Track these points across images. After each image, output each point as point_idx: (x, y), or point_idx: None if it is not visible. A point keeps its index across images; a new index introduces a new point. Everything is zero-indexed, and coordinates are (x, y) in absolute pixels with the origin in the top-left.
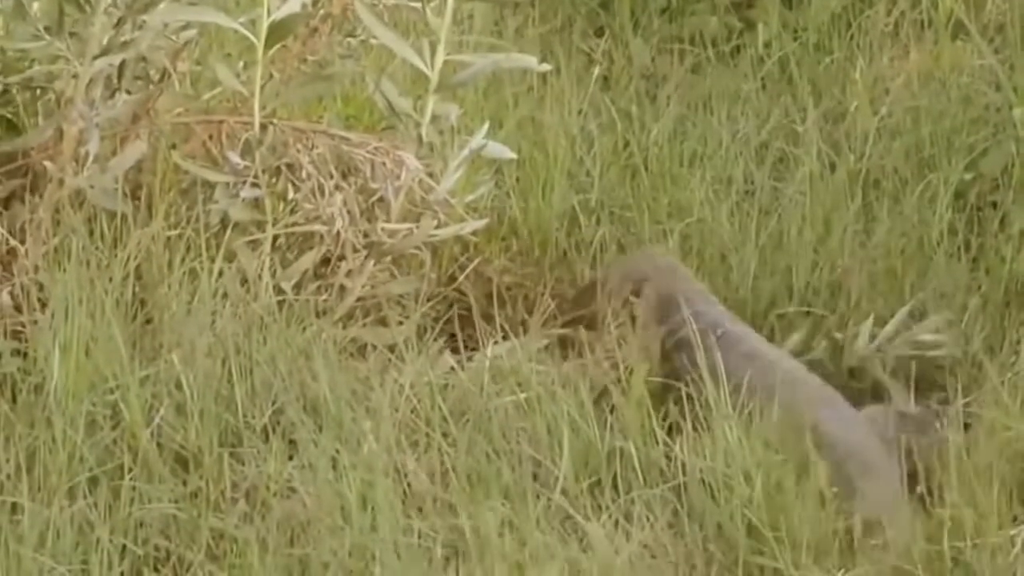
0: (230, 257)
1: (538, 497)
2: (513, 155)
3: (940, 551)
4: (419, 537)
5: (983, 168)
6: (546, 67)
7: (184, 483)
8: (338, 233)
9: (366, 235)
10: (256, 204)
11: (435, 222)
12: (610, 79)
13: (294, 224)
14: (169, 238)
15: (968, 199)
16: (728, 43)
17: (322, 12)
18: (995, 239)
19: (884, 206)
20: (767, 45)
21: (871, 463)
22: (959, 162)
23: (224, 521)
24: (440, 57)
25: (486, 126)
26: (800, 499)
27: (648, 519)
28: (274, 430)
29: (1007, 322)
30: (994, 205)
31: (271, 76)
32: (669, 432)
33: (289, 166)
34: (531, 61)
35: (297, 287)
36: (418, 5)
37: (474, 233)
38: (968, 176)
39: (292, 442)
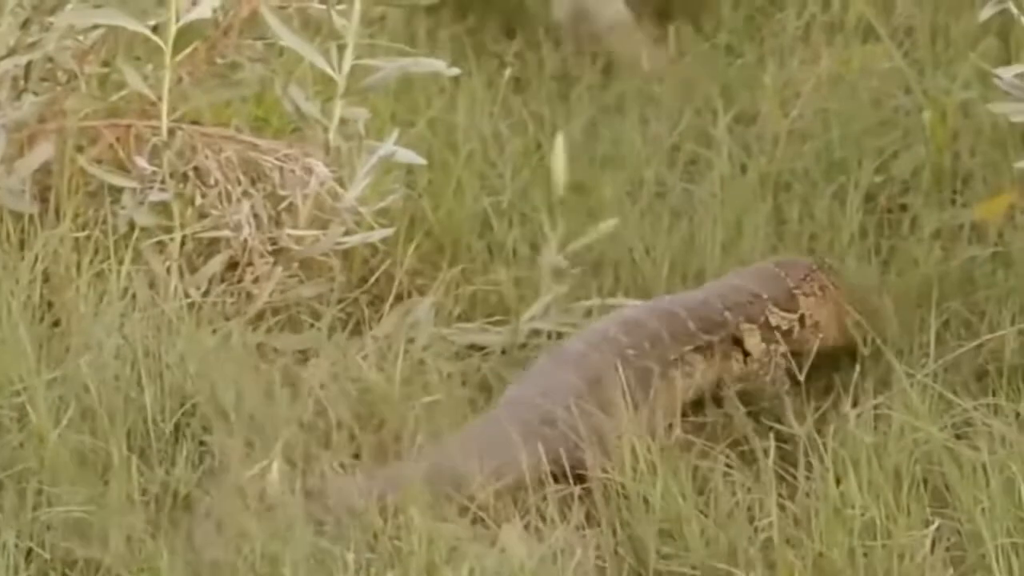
0: (139, 260)
1: (451, 498)
2: (423, 160)
3: (852, 551)
4: (330, 540)
5: (893, 171)
6: (455, 71)
7: (92, 486)
8: (245, 239)
9: (274, 241)
10: (163, 209)
11: (343, 229)
12: (522, 81)
13: (201, 229)
14: (77, 240)
15: (878, 202)
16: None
17: (232, 14)
18: (905, 241)
19: (795, 208)
20: (679, 48)
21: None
22: (869, 165)
23: (133, 525)
24: (348, 61)
25: (395, 132)
26: (707, 504)
27: (560, 521)
28: (183, 433)
29: (917, 324)
30: (904, 207)
31: (180, 79)
32: None
33: (197, 171)
34: (440, 65)
35: (207, 291)
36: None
37: (384, 239)
38: (878, 179)
39: (202, 443)
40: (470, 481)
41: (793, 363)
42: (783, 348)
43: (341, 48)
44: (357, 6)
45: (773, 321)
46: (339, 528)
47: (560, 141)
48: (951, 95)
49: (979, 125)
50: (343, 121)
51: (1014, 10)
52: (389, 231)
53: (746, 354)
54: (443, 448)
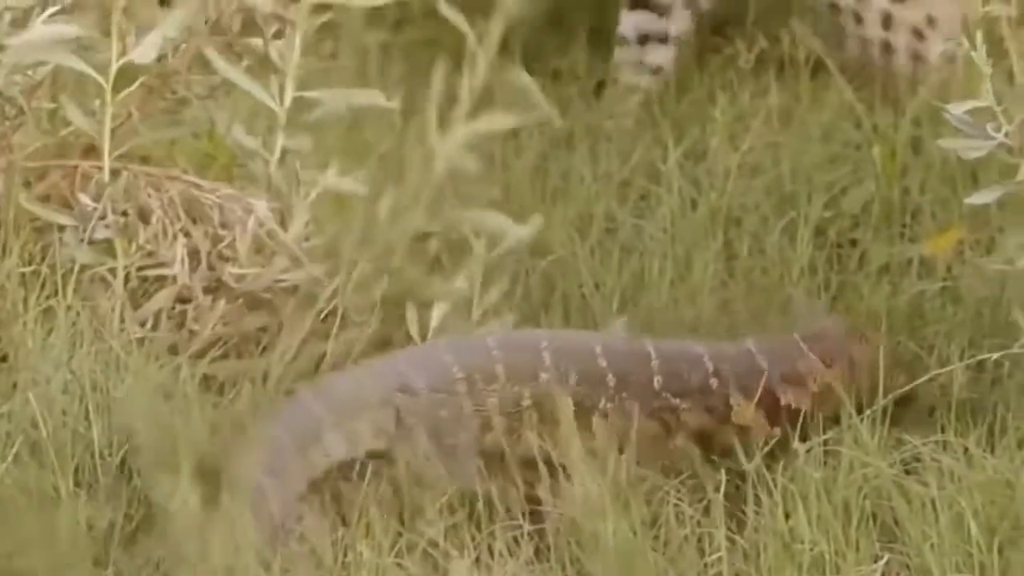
0: (86, 297)
1: (400, 534)
2: (363, 190)
3: None
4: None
5: (843, 205)
6: (394, 105)
7: (39, 521)
8: (187, 276)
9: (215, 278)
10: (108, 247)
11: (284, 264)
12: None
13: (143, 267)
14: (24, 275)
15: (828, 236)
16: (591, 80)
17: (180, 50)
18: (854, 276)
19: (745, 243)
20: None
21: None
22: (819, 199)
23: (79, 561)
24: (289, 94)
25: (335, 166)
26: (657, 538)
27: (509, 555)
28: (130, 468)
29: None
30: (853, 242)
31: (129, 115)
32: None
33: (140, 210)
34: (381, 97)
35: (154, 327)
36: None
37: (328, 271)
38: (828, 213)
39: (148, 479)
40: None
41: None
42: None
43: (282, 81)
44: (297, 40)
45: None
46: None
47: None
48: (901, 130)
49: (929, 160)
50: (285, 155)
51: (964, 46)
52: (326, 266)
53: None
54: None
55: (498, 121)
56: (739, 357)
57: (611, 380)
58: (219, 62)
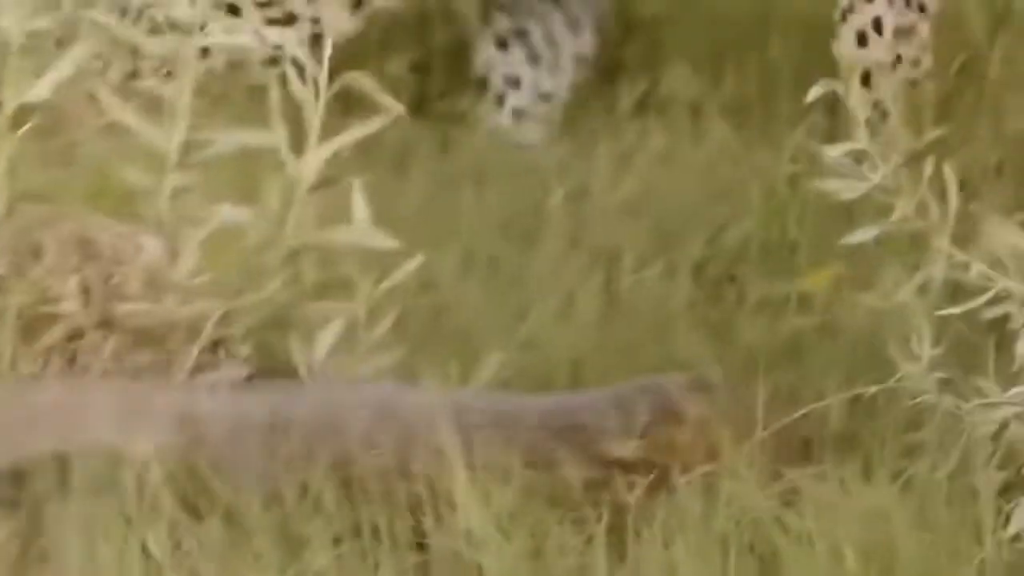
0: None
1: (287, 565)
2: (248, 219)
3: None
4: None
5: (723, 243)
6: (282, 144)
7: None
8: (78, 313)
9: (107, 314)
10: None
11: (173, 301)
12: (361, 154)
13: (35, 304)
14: None
15: (708, 273)
16: (476, 119)
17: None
18: (733, 312)
19: (626, 280)
20: None
21: None
22: (699, 237)
23: None
24: (180, 135)
25: (227, 204)
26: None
27: None
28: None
29: (744, 393)
30: (732, 279)
31: (22, 155)
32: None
33: (33, 248)
34: (272, 139)
35: (46, 363)
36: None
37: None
38: (708, 251)
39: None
40: None
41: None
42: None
43: (172, 122)
44: (188, 83)
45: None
46: None
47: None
48: (779, 169)
49: (806, 198)
50: (176, 194)
51: (840, 90)
52: (213, 302)
53: None
54: None
55: (348, 135)
56: (568, 408)
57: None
58: (110, 103)
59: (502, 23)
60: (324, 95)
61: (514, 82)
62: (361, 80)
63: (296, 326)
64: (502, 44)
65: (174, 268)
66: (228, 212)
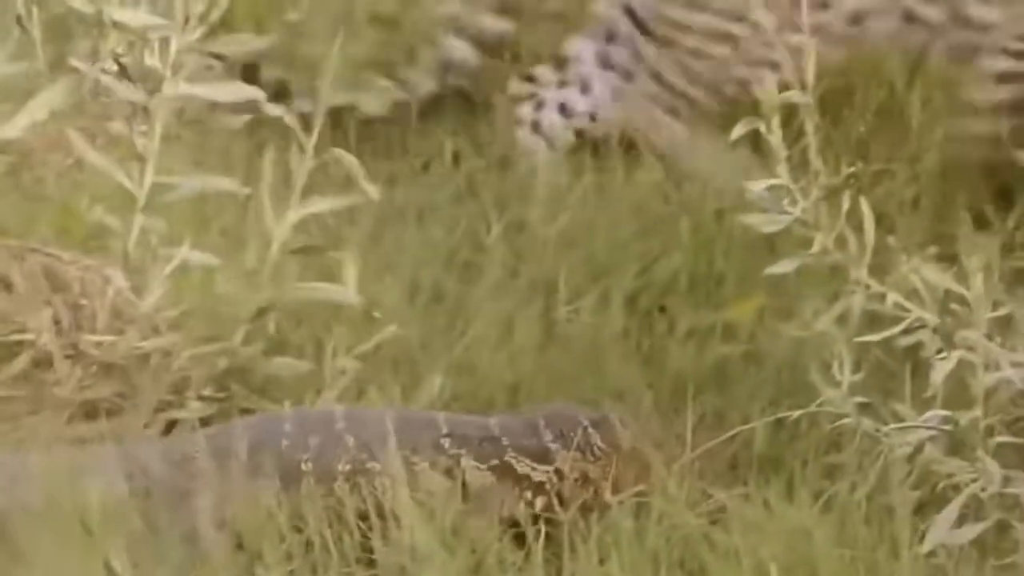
0: None
1: None
2: (217, 261)
3: None
4: None
5: (653, 275)
6: (246, 190)
7: None
8: (46, 343)
9: (74, 345)
10: None
11: (139, 334)
12: (314, 189)
13: (5, 332)
14: None
15: (639, 304)
16: (420, 158)
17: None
18: (663, 340)
19: (563, 310)
20: (455, 160)
21: None
22: (631, 269)
23: None
24: (148, 179)
25: (187, 243)
26: None
27: None
28: None
29: (673, 418)
30: (663, 309)
31: None
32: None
33: (2, 280)
34: (232, 184)
35: (12, 389)
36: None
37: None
38: (640, 282)
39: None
40: None
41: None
42: (533, 498)
43: (142, 166)
44: (157, 129)
45: (519, 469)
46: None
47: (349, 257)
48: (706, 205)
49: (732, 232)
50: (143, 233)
51: (763, 129)
52: (176, 337)
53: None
54: None
55: (326, 203)
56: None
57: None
58: (83, 147)
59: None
60: (307, 165)
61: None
62: (345, 158)
63: (257, 378)
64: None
65: (141, 302)
66: (195, 256)
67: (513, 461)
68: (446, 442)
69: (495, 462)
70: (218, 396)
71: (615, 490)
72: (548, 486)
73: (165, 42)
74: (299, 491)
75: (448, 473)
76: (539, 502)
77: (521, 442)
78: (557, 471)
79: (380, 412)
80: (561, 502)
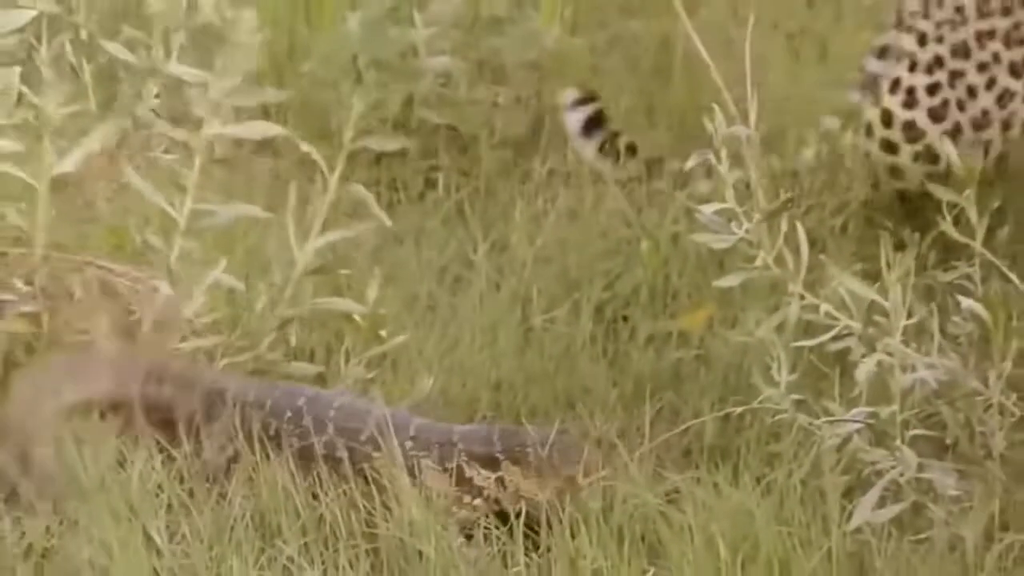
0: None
1: (263, 549)
2: (241, 286)
3: None
4: None
5: (617, 289)
6: (270, 215)
7: None
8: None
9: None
10: (35, 319)
11: (180, 336)
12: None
13: (66, 335)
14: None
15: (606, 314)
16: (415, 188)
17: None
18: (626, 345)
19: (539, 318)
20: (447, 189)
21: None
22: (599, 283)
23: None
24: (188, 206)
25: (223, 263)
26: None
27: (350, 568)
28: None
29: (635, 412)
30: (625, 318)
31: (52, 213)
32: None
33: (64, 289)
34: (259, 211)
35: None
36: (172, 157)
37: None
38: (606, 295)
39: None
40: None
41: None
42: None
43: (182, 194)
44: (197, 162)
45: (467, 472)
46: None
47: (372, 279)
48: (663, 228)
49: (686, 252)
50: (183, 253)
51: (714, 161)
52: (219, 338)
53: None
54: None
55: (346, 232)
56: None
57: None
58: (133, 177)
59: None
60: (329, 198)
61: None
62: (360, 192)
63: (276, 378)
64: None
65: (184, 309)
66: (224, 278)
67: (465, 465)
68: (408, 444)
69: (449, 465)
70: None
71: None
72: (488, 491)
73: (203, 88)
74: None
75: (410, 472)
76: (479, 503)
77: (473, 449)
78: (499, 479)
79: (364, 406)
80: (499, 506)
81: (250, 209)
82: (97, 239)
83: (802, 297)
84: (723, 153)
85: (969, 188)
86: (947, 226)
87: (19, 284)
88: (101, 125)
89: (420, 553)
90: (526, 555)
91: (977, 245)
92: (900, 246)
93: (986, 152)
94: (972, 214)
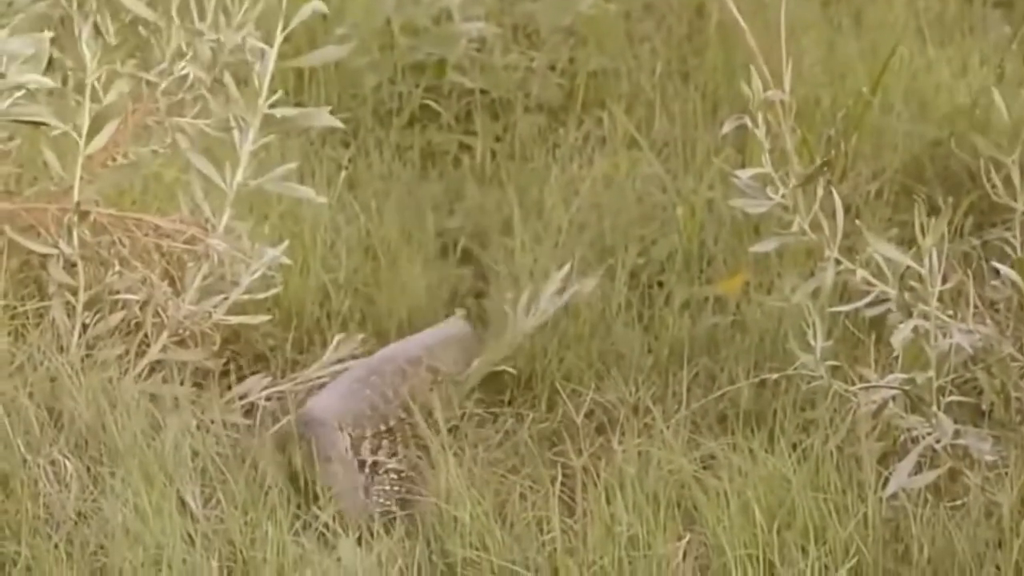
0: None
1: (297, 516)
2: (289, 262)
3: (619, 560)
4: (200, 551)
5: (653, 255)
6: (313, 194)
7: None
8: (142, 307)
9: (165, 311)
10: (73, 272)
11: (226, 304)
12: (355, 181)
13: (106, 291)
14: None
15: (641, 279)
16: (450, 154)
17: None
18: (661, 311)
19: (583, 284)
20: (481, 155)
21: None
22: (633, 250)
23: (36, 536)
24: (238, 178)
25: (283, 245)
26: (501, 524)
27: (386, 534)
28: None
29: (670, 378)
30: (660, 284)
31: (104, 162)
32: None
33: (107, 244)
34: (309, 192)
35: (108, 344)
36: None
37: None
38: (641, 261)
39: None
40: None
41: None
42: None
43: (233, 166)
44: (250, 135)
45: None
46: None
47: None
48: (699, 194)
49: (721, 217)
50: (228, 227)
51: (749, 125)
52: (265, 317)
53: None
54: None
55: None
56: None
57: None
58: (189, 150)
59: None
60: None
61: None
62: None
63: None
64: None
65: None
66: (271, 252)
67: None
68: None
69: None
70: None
71: None
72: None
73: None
74: None
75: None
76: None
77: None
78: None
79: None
80: None
81: (301, 190)
82: (139, 199)
83: (838, 262)
84: (759, 118)
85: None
86: (989, 187)
87: (58, 238)
88: (125, 81)
89: (456, 520)
90: (561, 520)
91: (1020, 206)
92: (935, 211)
93: None
94: (1015, 173)
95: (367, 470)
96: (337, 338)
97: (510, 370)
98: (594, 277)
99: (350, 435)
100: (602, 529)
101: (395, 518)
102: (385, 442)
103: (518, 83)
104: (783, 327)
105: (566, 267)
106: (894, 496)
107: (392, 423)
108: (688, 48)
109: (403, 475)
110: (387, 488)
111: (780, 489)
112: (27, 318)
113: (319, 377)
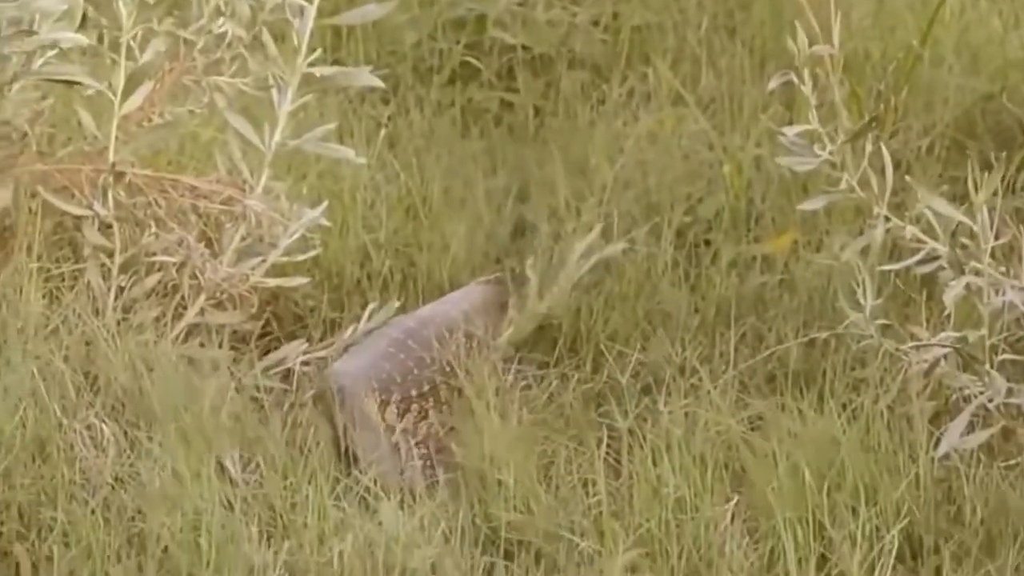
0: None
1: (338, 480)
2: (328, 223)
3: (667, 522)
4: (239, 516)
5: (699, 213)
6: (352, 154)
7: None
8: (179, 269)
9: (202, 273)
10: (109, 234)
11: (264, 267)
12: (395, 139)
13: (141, 253)
14: (31, 270)
15: (687, 238)
16: (491, 112)
17: (173, 69)
18: (708, 270)
19: (619, 242)
20: (523, 111)
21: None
22: (679, 208)
23: (72, 501)
24: (276, 138)
25: (323, 205)
26: (546, 486)
27: (428, 498)
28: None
29: (717, 338)
30: (707, 243)
31: (139, 123)
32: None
33: (143, 206)
34: (349, 152)
35: (143, 306)
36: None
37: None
38: (687, 219)
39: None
40: None
41: None
42: None
43: (272, 127)
44: (288, 94)
45: None
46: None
47: None
48: (746, 151)
49: (768, 175)
50: (266, 188)
51: (796, 80)
52: (305, 280)
53: None
54: None
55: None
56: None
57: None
58: (227, 111)
59: None
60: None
61: None
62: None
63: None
64: None
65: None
66: (310, 214)
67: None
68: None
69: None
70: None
71: None
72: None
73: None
74: None
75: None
76: None
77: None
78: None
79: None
80: None
81: (340, 150)
82: (175, 159)
83: (887, 220)
84: (805, 72)
85: None
86: None
87: (93, 199)
88: (162, 39)
89: (499, 482)
90: (607, 482)
91: None
92: (987, 166)
93: None
94: None
95: (397, 434)
96: (371, 306)
97: (554, 330)
98: (631, 239)
99: (380, 399)
100: (648, 491)
101: (436, 481)
102: (415, 406)
103: (561, 39)
104: (832, 286)
105: (596, 229)
106: (946, 456)
107: (426, 388)
108: (734, 2)
109: (439, 439)
110: (423, 452)
111: (830, 450)
112: (62, 280)
113: (356, 343)
